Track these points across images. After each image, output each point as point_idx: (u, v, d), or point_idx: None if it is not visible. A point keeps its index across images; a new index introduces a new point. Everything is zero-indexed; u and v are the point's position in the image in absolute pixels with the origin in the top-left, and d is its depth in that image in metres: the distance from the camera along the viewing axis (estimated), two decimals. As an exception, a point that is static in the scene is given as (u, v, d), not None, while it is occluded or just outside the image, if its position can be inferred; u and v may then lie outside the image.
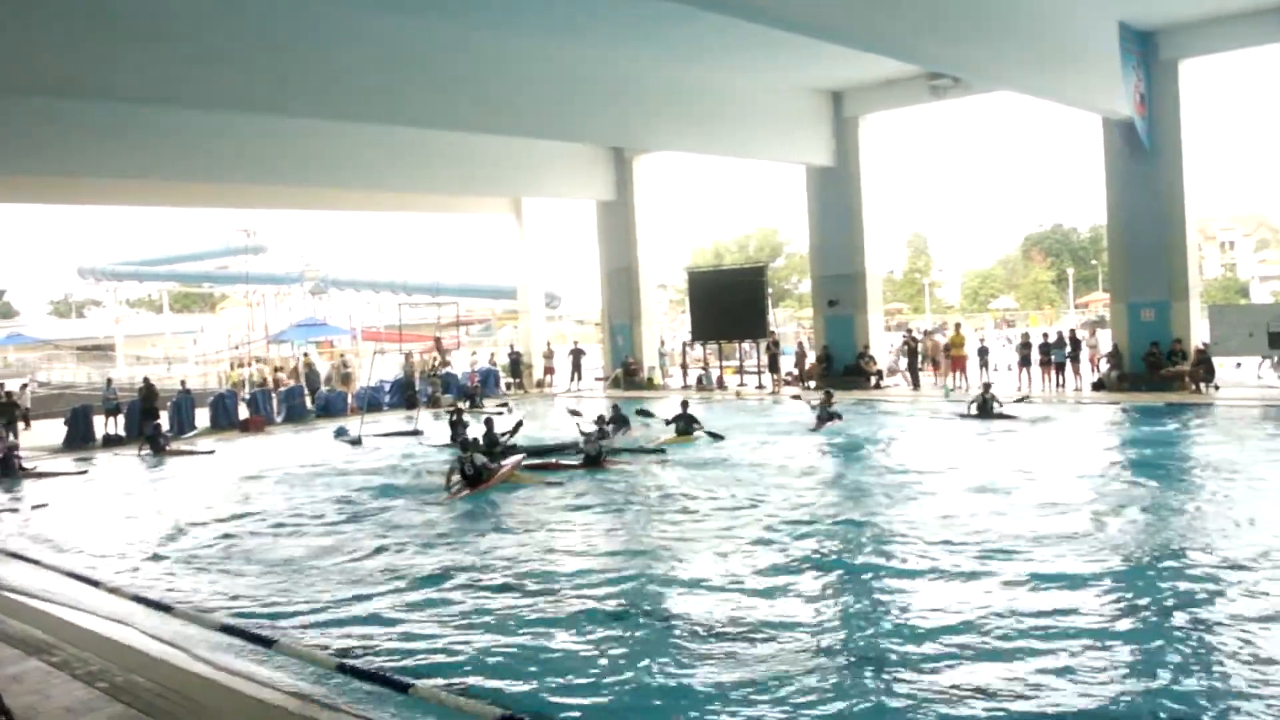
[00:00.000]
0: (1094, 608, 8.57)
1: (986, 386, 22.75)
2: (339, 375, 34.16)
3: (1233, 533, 10.93)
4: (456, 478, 15.24)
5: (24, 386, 33.11)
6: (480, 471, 15.12)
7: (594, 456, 17.48)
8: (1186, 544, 10.58)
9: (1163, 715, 6.51)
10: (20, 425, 24.93)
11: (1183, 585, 9.17)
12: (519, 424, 18.84)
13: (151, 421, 24.59)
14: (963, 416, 22.03)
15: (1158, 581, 9.29)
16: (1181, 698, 6.74)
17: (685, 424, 20.25)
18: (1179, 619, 8.25)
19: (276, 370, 37.23)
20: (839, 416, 21.29)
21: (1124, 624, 8.20)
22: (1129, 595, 8.91)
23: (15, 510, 16.71)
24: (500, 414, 25.69)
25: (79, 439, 25.31)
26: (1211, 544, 10.49)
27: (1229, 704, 6.58)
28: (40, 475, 20.41)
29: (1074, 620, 8.26)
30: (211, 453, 22.69)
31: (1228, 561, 9.74)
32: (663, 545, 11.59)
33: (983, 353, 28.68)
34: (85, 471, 20.99)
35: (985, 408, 21.78)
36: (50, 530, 14.66)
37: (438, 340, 37.41)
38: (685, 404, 20.95)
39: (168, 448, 23.16)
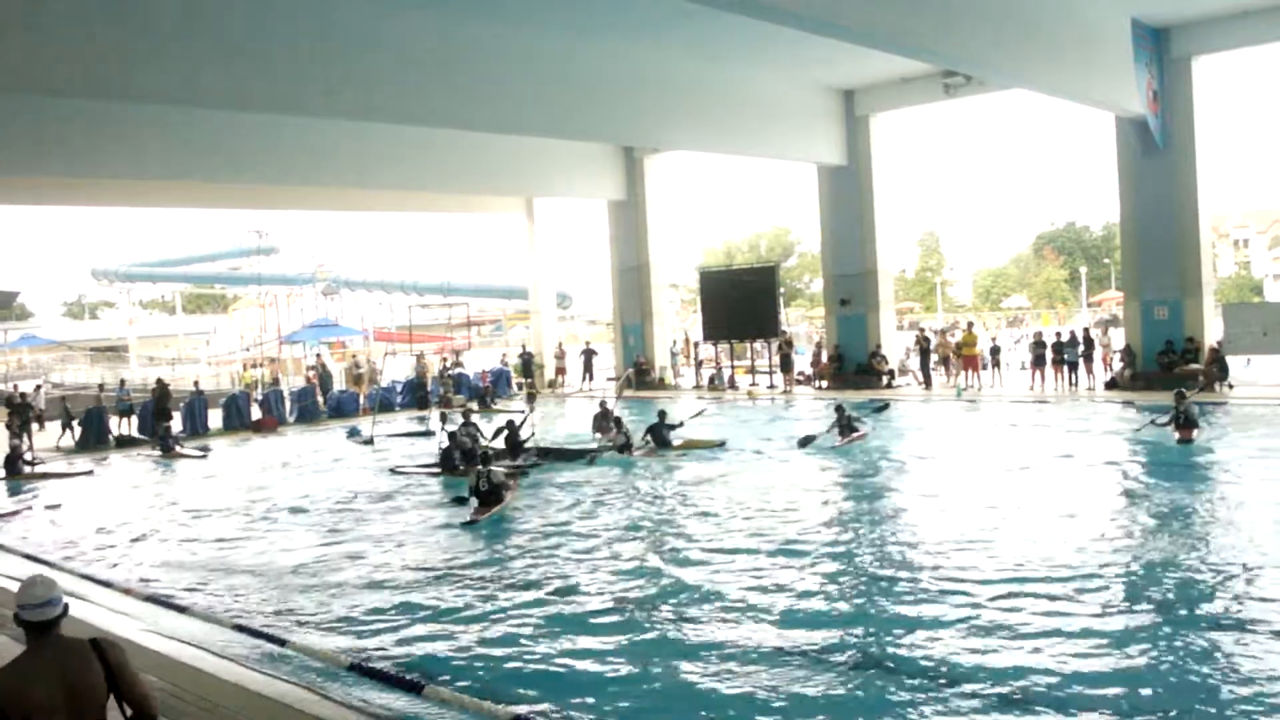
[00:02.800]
0: (1121, 621, 8.55)
1: (1181, 396, 17.59)
2: (352, 376, 34.22)
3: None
4: (473, 499, 13.89)
5: (38, 388, 33.21)
6: (496, 489, 13.91)
7: (626, 445, 18.57)
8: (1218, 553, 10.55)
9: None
10: (35, 426, 24.98)
11: (1198, 592, 9.15)
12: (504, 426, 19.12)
13: (163, 423, 24.72)
14: (1139, 431, 18.09)
15: (1173, 588, 9.27)
16: (1192, 703, 6.73)
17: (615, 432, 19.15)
18: (1197, 626, 8.22)
19: (310, 369, 37.33)
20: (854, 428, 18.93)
21: (1146, 631, 8.18)
22: (1150, 603, 8.90)
23: (29, 510, 16.80)
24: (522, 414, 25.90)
25: (92, 440, 25.42)
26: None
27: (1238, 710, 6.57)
28: (46, 475, 20.48)
29: (1097, 629, 8.23)
30: (204, 456, 22.66)
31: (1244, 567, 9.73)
32: (676, 550, 11.58)
33: (994, 352, 28.57)
34: (90, 472, 21.04)
35: (1185, 421, 17.10)
36: (63, 531, 14.74)
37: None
38: (602, 402, 20.12)
39: (176, 449, 23.25)
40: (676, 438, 19.36)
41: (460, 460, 17.32)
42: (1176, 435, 16.90)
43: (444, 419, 20.21)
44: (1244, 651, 7.42)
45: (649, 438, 19.02)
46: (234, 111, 21.36)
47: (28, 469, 20.58)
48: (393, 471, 18.46)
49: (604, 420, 19.86)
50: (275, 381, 34.35)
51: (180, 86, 17.47)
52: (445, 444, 18.29)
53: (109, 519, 15.45)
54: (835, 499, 14.37)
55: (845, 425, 18.75)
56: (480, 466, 14.03)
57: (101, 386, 29.47)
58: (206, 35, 17.16)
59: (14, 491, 19.07)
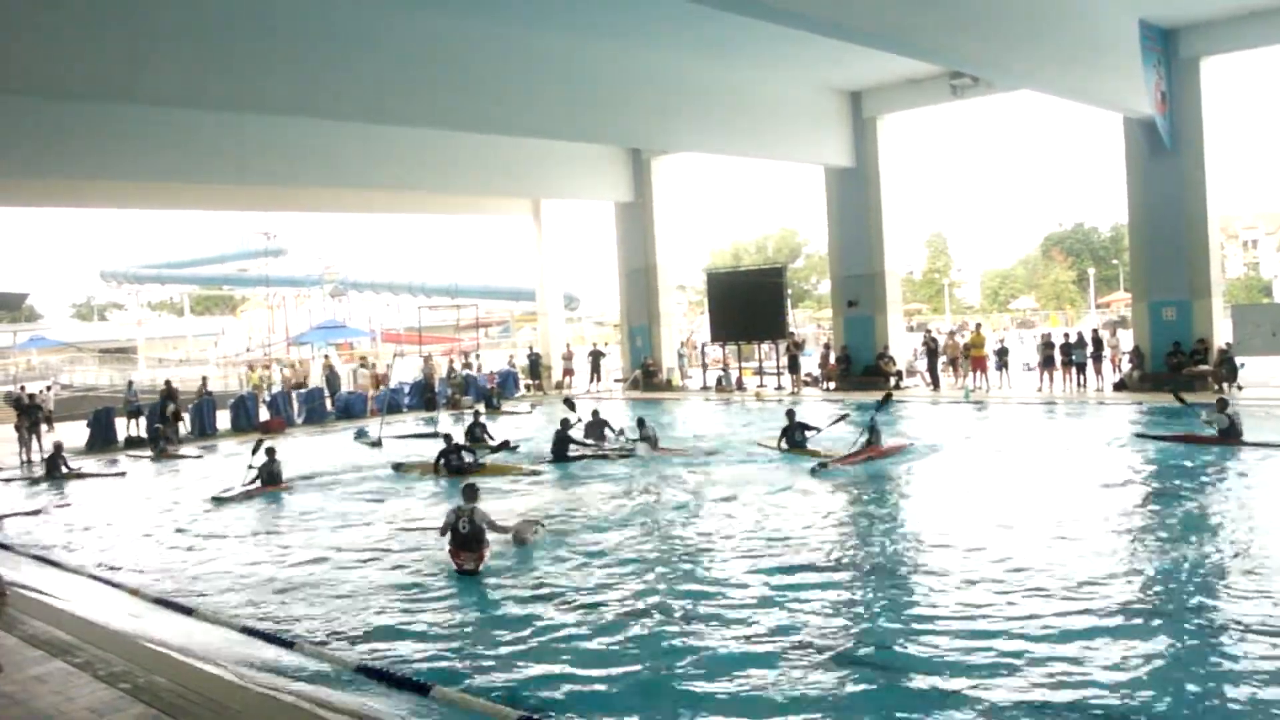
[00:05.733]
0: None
1: (1223, 404, 17.13)
2: (358, 377, 34.27)
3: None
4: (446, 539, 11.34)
5: (47, 389, 33.37)
6: (476, 533, 11.09)
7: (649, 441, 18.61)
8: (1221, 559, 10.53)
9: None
10: (44, 428, 25.07)
11: (1207, 598, 9.13)
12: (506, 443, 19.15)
13: (156, 423, 24.93)
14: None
15: (1181, 594, 9.25)
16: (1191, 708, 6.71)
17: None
18: (1206, 633, 8.20)
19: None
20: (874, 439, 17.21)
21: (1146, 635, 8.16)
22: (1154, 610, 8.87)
23: (39, 511, 16.83)
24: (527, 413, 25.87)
25: (101, 441, 25.50)
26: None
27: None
28: (82, 476, 20.58)
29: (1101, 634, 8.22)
30: (200, 457, 22.73)
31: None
32: (684, 554, 11.55)
33: (1002, 353, 28.50)
34: (124, 474, 21.08)
35: (1231, 431, 16.54)
36: (72, 532, 14.78)
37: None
38: (595, 411, 19.84)
39: (169, 450, 23.33)
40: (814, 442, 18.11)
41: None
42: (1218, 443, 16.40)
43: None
44: (1250, 655, 7.40)
45: (783, 441, 18.33)
46: (241, 113, 21.42)
47: (66, 469, 20.68)
48: (215, 501, 16.42)
49: (598, 429, 19.78)
50: (302, 382, 34.32)
51: (188, 89, 17.52)
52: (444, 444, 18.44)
53: (118, 520, 15.50)
54: (845, 502, 14.29)
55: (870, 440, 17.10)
56: (462, 503, 11.37)
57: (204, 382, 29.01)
58: (213, 38, 17.20)
59: (57, 491, 19.20)
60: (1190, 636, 7.86)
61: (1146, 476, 15.06)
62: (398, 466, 18.91)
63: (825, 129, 28.78)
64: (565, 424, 19.11)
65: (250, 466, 17.20)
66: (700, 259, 78.39)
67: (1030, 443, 18.72)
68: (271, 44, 17.99)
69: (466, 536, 11.01)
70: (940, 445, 18.52)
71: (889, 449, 17.53)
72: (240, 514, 15.32)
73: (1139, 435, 18.28)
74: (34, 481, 20.33)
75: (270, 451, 17.50)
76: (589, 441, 19.25)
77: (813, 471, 15.98)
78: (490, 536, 11.31)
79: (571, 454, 18.60)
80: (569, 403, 21.20)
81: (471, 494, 11.52)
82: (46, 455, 21.16)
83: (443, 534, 11.31)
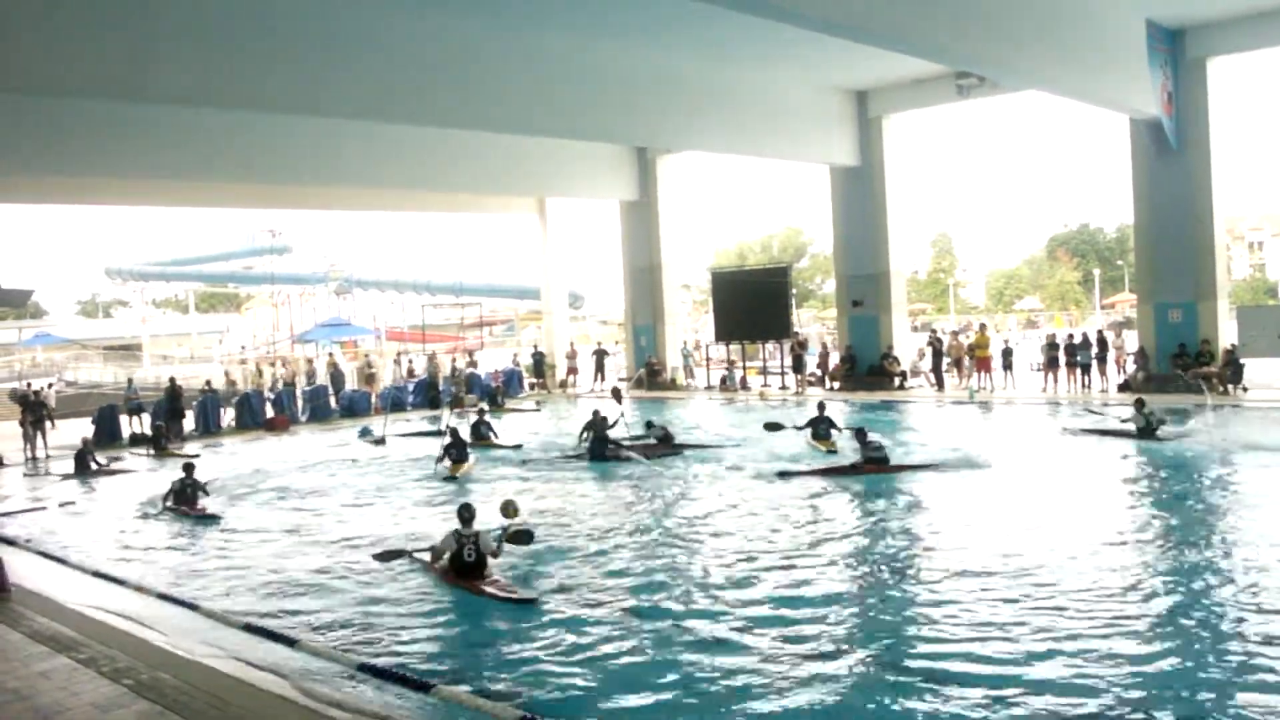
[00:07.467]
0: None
1: (1140, 403, 18.48)
2: (363, 375, 34.25)
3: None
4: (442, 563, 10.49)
5: (48, 386, 33.42)
6: (482, 559, 10.26)
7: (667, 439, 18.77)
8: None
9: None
10: (48, 424, 25.08)
11: (1211, 601, 9.13)
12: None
13: (159, 422, 24.94)
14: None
15: (1183, 597, 9.24)
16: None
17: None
18: (1208, 635, 8.19)
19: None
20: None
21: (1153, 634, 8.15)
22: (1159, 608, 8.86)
23: (44, 509, 16.84)
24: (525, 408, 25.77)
25: (106, 438, 25.50)
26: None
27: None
28: (110, 471, 20.61)
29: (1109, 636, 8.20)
30: (198, 456, 22.72)
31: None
32: (687, 553, 11.56)
33: (1007, 354, 28.45)
34: (154, 469, 21.06)
35: (1146, 430, 17.89)
36: (77, 528, 14.79)
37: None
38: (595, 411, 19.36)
39: (169, 449, 23.34)
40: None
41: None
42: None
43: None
44: (1251, 660, 7.40)
45: (809, 432, 18.49)
46: (247, 111, 21.43)
47: (96, 465, 20.72)
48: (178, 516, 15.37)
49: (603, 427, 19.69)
50: (311, 379, 34.28)
51: (193, 87, 17.55)
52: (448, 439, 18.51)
53: (122, 517, 15.52)
54: (850, 506, 14.28)
55: (870, 455, 16.12)
56: (462, 528, 10.37)
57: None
58: (218, 36, 17.24)
59: (83, 486, 19.27)
60: (1183, 631, 7.88)
61: (1115, 475, 15.29)
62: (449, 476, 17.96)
63: (830, 128, 28.78)
64: (603, 423, 18.74)
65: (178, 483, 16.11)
66: (705, 258, 78.55)
67: (1025, 443, 18.76)
68: (274, 43, 18.02)
69: (471, 565, 10.18)
70: (935, 447, 18.54)
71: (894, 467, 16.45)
72: (242, 513, 15.33)
73: (1065, 430, 19.70)
74: (64, 477, 20.32)
75: (188, 469, 16.00)
76: (625, 444, 18.63)
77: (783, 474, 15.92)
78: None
79: (608, 453, 18.23)
80: (616, 393, 21.13)
81: (470, 516, 10.49)
82: (75, 451, 21.15)
83: (435, 561, 10.55)
